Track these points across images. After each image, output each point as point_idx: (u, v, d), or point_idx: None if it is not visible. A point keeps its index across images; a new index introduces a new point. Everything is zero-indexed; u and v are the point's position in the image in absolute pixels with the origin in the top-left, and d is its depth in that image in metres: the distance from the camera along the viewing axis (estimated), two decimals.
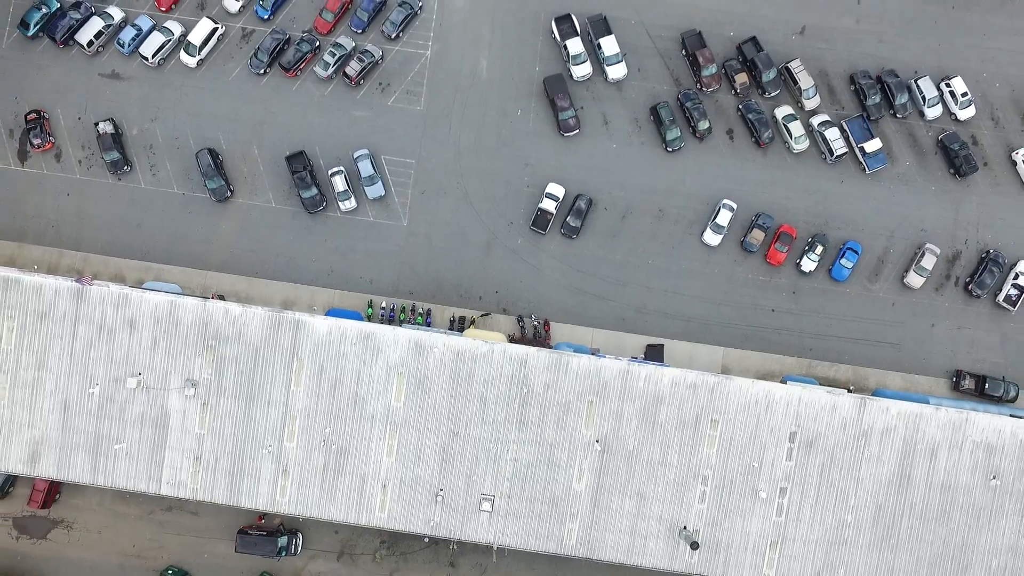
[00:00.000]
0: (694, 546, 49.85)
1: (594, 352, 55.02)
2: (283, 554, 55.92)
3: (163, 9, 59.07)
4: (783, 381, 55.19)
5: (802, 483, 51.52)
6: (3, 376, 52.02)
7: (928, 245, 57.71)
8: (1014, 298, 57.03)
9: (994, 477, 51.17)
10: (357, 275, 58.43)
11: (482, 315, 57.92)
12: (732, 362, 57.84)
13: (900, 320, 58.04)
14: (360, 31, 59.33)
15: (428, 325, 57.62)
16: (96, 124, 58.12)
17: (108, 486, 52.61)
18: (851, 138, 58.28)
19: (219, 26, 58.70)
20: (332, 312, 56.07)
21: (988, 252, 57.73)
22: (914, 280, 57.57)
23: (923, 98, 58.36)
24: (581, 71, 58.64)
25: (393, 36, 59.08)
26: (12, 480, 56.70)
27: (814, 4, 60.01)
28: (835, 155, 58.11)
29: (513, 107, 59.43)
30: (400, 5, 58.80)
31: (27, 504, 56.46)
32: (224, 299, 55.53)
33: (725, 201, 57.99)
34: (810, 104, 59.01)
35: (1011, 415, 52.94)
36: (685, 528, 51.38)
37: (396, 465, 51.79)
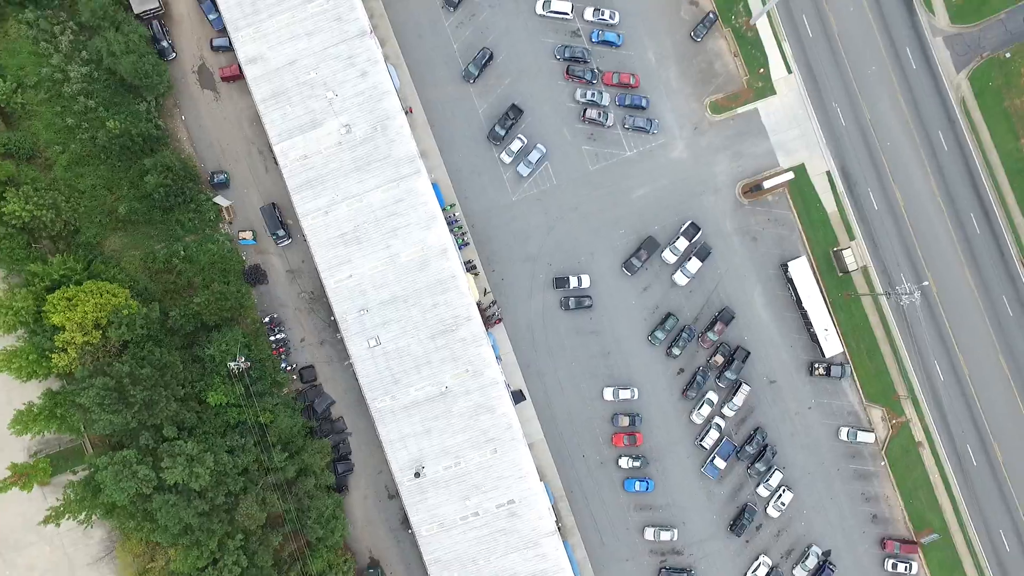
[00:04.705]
0: (417, 475, 75.26)
1: (497, 358, 79.42)
2: None
3: None
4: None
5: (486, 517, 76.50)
6: None
7: None
8: None
9: None
10: (468, 187, 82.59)
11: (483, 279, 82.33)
12: (539, 452, 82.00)
13: None
14: (619, 105, 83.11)
15: (460, 247, 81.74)
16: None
17: None
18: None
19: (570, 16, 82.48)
20: (435, 185, 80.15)
21: None
22: None
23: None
24: (668, 257, 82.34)
25: (624, 125, 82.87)
26: None
27: (817, 394, 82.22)
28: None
29: (624, 231, 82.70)
30: (648, 120, 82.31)
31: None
32: (411, 112, 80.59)
33: (628, 384, 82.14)
34: (730, 404, 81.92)
35: None
36: (423, 466, 76.44)
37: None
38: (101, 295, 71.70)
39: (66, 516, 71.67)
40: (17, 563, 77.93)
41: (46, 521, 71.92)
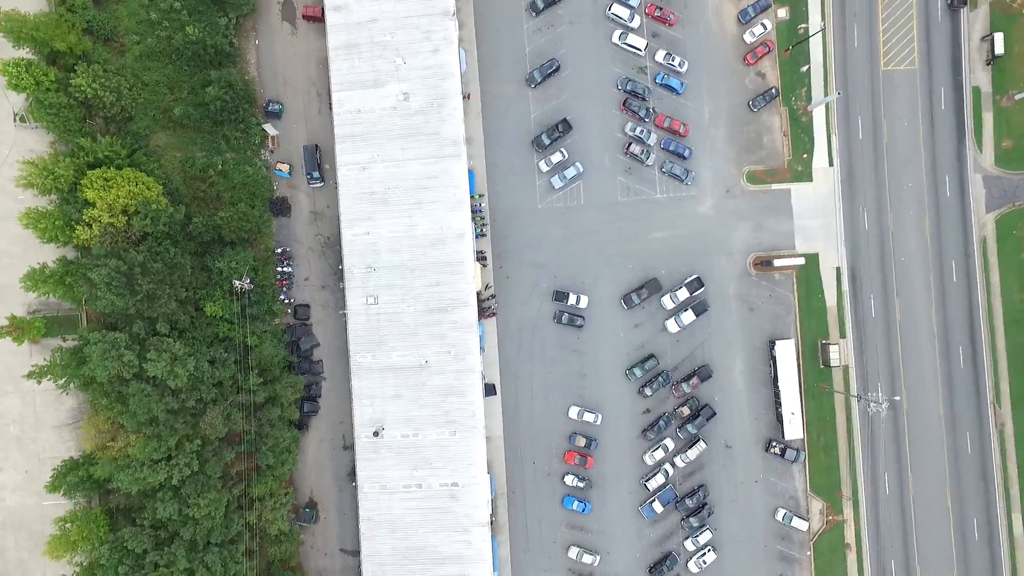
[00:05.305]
0: (375, 434, 78.79)
1: (481, 348, 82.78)
2: None
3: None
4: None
5: (429, 492, 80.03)
6: None
7: None
8: None
9: None
10: (500, 183, 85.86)
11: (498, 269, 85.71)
12: (493, 447, 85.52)
13: None
14: (663, 148, 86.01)
15: (476, 236, 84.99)
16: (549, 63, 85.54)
17: None
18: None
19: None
20: (470, 172, 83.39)
21: None
22: None
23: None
24: (667, 302, 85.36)
25: (662, 169, 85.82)
26: None
27: (766, 471, 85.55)
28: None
29: (633, 266, 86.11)
30: (685, 170, 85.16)
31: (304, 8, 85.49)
32: (468, 98, 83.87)
33: (589, 409, 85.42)
34: (683, 455, 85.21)
35: None
36: (383, 428, 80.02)
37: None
38: (136, 184, 75.32)
39: (47, 377, 75.58)
40: None
41: (29, 376, 75.86)
